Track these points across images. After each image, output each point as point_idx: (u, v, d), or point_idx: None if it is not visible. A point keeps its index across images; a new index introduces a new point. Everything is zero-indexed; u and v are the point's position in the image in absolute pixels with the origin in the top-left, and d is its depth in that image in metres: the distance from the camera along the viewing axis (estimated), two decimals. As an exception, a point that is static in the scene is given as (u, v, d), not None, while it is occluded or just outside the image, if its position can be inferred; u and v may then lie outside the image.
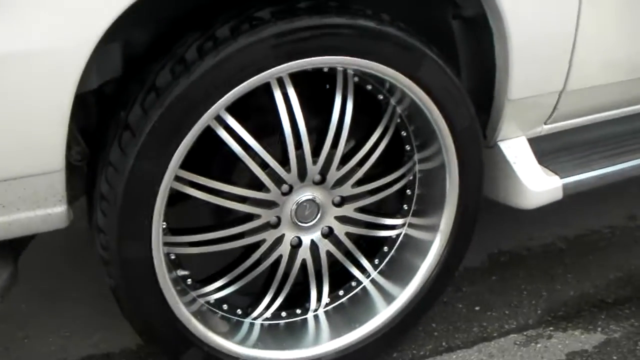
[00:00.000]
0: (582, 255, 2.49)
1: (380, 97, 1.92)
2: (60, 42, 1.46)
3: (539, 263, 2.46)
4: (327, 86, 1.88)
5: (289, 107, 1.77)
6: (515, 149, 2.09)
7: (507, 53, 1.88)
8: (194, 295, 1.91)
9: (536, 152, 2.12)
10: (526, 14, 1.84)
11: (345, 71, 1.83)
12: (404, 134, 1.99)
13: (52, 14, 1.44)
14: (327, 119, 1.83)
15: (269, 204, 1.83)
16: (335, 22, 1.67)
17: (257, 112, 1.86)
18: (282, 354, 1.96)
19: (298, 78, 1.77)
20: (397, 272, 2.09)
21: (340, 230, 1.96)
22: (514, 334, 2.14)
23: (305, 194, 1.86)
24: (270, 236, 1.88)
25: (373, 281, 2.10)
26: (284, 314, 2.04)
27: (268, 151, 1.78)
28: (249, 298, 2.01)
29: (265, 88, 1.75)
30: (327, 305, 2.07)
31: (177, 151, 1.64)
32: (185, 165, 1.73)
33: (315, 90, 1.88)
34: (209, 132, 1.74)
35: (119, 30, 1.56)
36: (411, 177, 2.04)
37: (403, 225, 2.08)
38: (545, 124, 2.13)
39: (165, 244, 1.79)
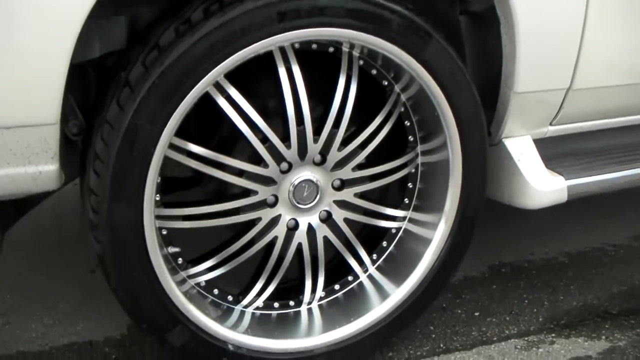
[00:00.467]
0: (585, 269, 2.43)
1: (385, 83, 1.89)
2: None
3: (541, 274, 2.40)
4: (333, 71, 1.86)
5: (292, 85, 1.75)
6: (520, 147, 2.05)
7: (514, 42, 1.86)
8: (184, 275, 1.84)
9: (541, 155, 2.09)
10: (534, 1, 1.83)
11: (350, 53, 1.81)
12: (407, 123, 1.96)
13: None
14: (331, 101, 1.80)
15: (267, 181, 1.79)
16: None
17: (259, 88, 1.84)
18: (273, 343, 1.88)
19: (304, 60, 1.75)
20: (395, 268, 2.02)
21: (339, 215, 1.91)
22: (514, 338, 2.07)
23: (304, 174, 1.82)
24: (266, 215, 1.82)
25: (370, 277, 2.03)
26: (276, 304, 1.97)
27: (269, 126, 1.74)
28: (240, 284, 1.94)
29: (270, 66, 1.73)
30: (321, 298, 2.00)
31: (175, 113, 1.60)
32: (184, 137, 1.70)
33: (320, 74, 1.86)
34: (209, 105, 1.71)
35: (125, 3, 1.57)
36: (413, 170, 2.00)
37: (403, 219, 2.02)
38: (551, 124, 2.09)
39: (158, 217, 1.73)
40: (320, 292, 1.99)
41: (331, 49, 1.81)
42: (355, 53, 1.82)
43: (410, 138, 1.97)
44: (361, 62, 1.84)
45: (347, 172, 1.87)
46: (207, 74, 1.60)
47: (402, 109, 1.93)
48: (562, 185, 2.05)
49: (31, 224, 2.60)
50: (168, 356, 1.98)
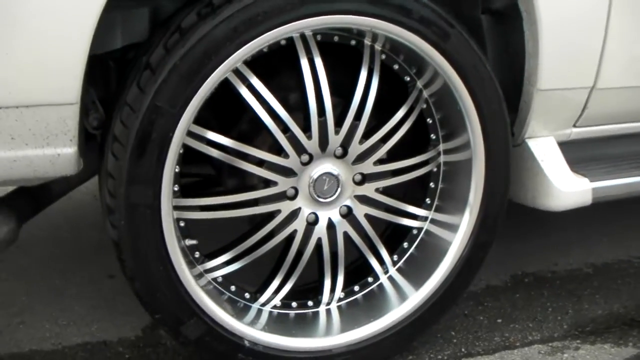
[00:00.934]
0: (611, 280, 2.37)
1: (407, 78, 1.88)
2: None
3: (565, 284, 2.34)
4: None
5: (314, 76, 1.74)
6: (544, 148, 2.02)
7: (537, 38, 1.84)
8: (201, 269, 1.81)
9: (565, 159, 2.05)
10: (557, -4, 1.83)
11: (372, 47, 1.80)
12: (429, 121, 1.93)
13: None
14: (352, 94, 1.79)
15: (287, 172, 1.76)
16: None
17: (280, 80, 1.83)
18: (291, 341, 1.83)
19: (325, 53, 1.74)
20: (416, 270, 1.98)
21: (359, 211, 1.87)
22: (538, 344, 2.00)
23: (325, 166, 1.79)
24: (285, 207, 1.79)
25: (390, 278, 1.99)
26: (294, 304, 1.93)
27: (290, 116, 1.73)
28: (258, 282, 1.90)
29: (291, 60, 1.73)
30: (340, 300, 1.96)
31: (195, 97, 1.59)
32: (205, 126, 1.69)
33: (343, 67, 1.84)
34: (231, 95, 1.70)
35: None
36: (435, 169, 1.97)
37: (425, 219, 1.99)
38: (574, 126, 2.06)
39: (176, 207, 1.71)
40: (339, 292, 1.94)
41: (353, 42, 1.81)
42: (378, 47, 1.81)
43: (433, 136, 1.94)
44: (383, 57, 1.83)
45: (368, 166, 1.84)
46: (228, 57, 1.59)
47: (425, 106, 1.91)
48: (587, 187, 2.01)
49: (50, 231, 2.60)
50: (182, 356, 1.94)
